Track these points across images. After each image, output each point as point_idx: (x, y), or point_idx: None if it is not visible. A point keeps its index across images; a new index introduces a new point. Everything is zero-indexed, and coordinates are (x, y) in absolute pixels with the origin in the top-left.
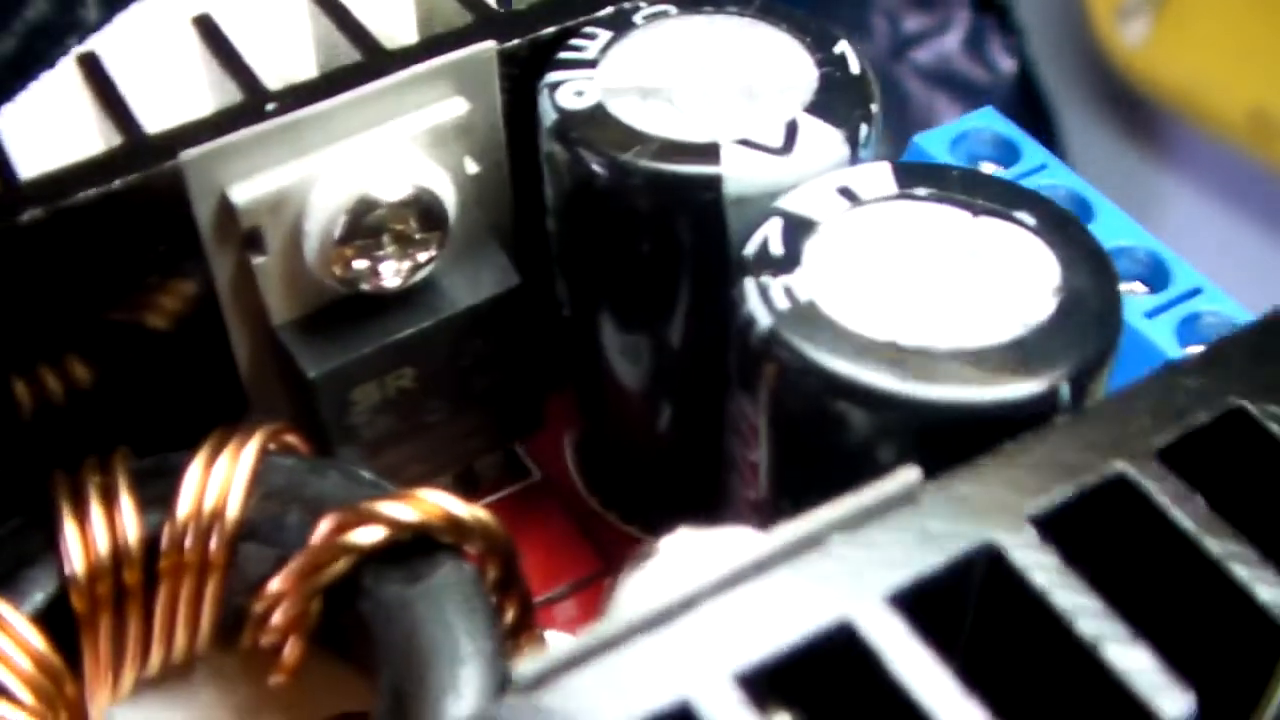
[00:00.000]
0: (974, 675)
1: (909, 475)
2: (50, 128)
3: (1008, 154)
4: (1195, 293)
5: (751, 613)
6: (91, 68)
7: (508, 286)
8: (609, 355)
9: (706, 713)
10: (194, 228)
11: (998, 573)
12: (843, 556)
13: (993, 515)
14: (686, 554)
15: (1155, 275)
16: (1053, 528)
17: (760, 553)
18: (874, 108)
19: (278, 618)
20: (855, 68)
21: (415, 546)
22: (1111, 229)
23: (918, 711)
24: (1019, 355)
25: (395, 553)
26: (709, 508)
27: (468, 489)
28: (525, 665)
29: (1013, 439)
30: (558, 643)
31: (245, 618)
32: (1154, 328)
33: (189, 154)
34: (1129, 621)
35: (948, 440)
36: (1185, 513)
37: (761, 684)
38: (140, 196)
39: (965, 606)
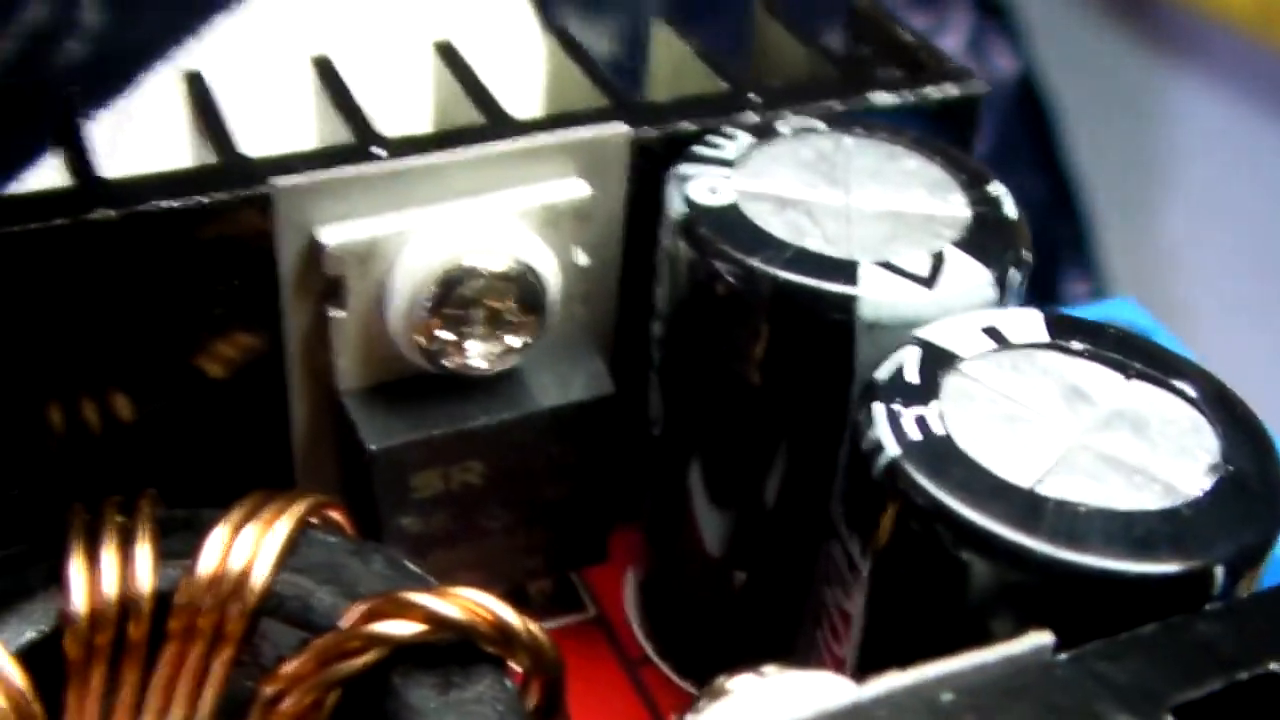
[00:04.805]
0: None
1: (1040, 639)
2: (150, 147)
3: None
4: None
5: None
6: (197, 90)
7: (599, 394)
8: (694, 487)
9: None
10: (274, 266)
11: None
12: (956, 718)
13: (1130, 698)
14: (763, 698)
15: None
16: None
17: (860, 699)
18: (1026, 254)
19: (288, 703)
20: (1010, 211)
21: (454, 651)
22: None
23: None
24: (1172, 529)
25: (431, 654)
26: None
27: None
28: None
29: (1151, 620)
30: None
31: (251, 706)
32: None
33: (282, 182)
34: None
35: (1082, 612)
36: None
37: None
38: (223, 218)
39: None
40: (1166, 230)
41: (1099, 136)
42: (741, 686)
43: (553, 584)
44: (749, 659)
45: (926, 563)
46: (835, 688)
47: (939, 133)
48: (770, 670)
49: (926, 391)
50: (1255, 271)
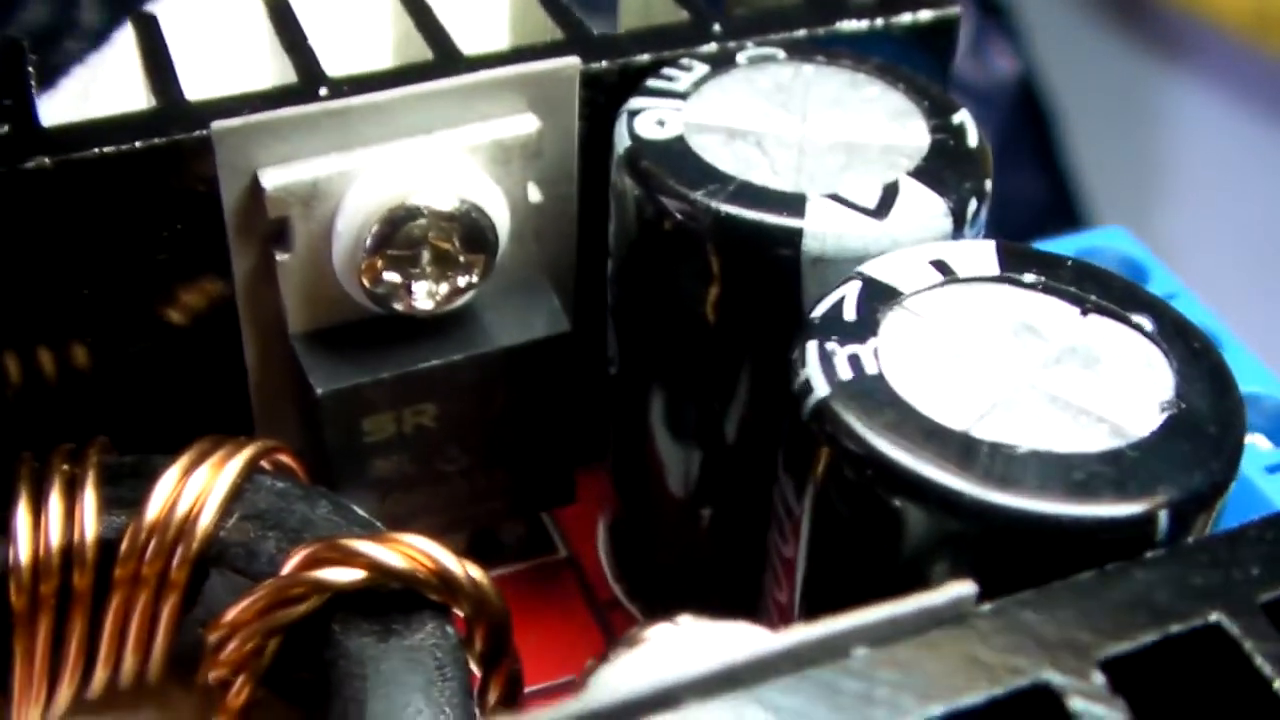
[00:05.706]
0: None
1: (961, 589)
2: (120, 95)
3: (1135, 278)
4: None
5: None
6: (147, 33)
7: (554, 332)
8: (654, 426)
9: None
10: (218, 210)
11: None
12: (866, 674)
13: (1056, 651)
14: (678, 646)
15: None
16: (1125, 676)
17: (764, 652)
18: (987, 184)
19: (229, 651)
20: (973, 140)
21: (396, 599)
22: (1240, 373)
23: None
24: (1114, 470)
25: (373, 601)
26: (745, 614)
27: (487, 555)
28: None
29: (1093, 568)
30: None
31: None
32: (1275, 485)
33: (221, 125)
34: None
35: (1017, 558)
36: None
37: None
38: (162, 162)
39: None
40: (1165, 230)
41: (1099, 136)
42: (656, 636)
43: (525, 527)
44: (716, 600)
45: (858, 508)
46: (750, 638)
47: (916, 60)
48: (685, 620)
49: (864, 329)
50: (1253, 270)
